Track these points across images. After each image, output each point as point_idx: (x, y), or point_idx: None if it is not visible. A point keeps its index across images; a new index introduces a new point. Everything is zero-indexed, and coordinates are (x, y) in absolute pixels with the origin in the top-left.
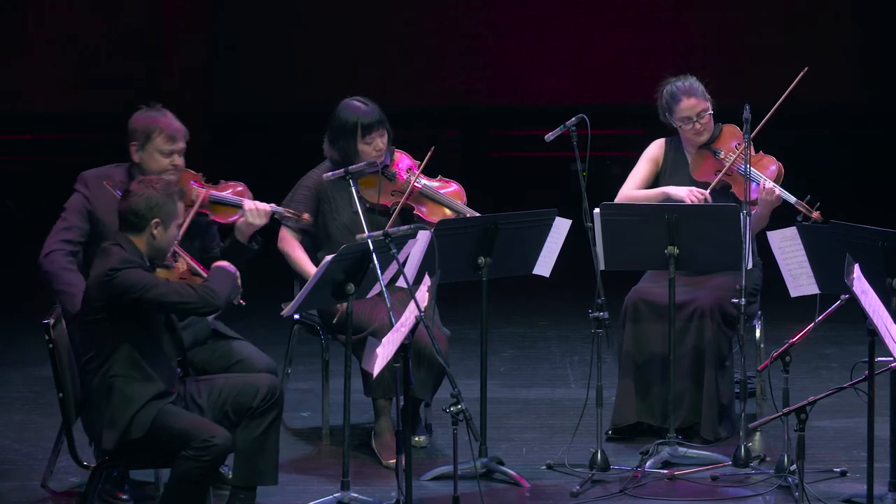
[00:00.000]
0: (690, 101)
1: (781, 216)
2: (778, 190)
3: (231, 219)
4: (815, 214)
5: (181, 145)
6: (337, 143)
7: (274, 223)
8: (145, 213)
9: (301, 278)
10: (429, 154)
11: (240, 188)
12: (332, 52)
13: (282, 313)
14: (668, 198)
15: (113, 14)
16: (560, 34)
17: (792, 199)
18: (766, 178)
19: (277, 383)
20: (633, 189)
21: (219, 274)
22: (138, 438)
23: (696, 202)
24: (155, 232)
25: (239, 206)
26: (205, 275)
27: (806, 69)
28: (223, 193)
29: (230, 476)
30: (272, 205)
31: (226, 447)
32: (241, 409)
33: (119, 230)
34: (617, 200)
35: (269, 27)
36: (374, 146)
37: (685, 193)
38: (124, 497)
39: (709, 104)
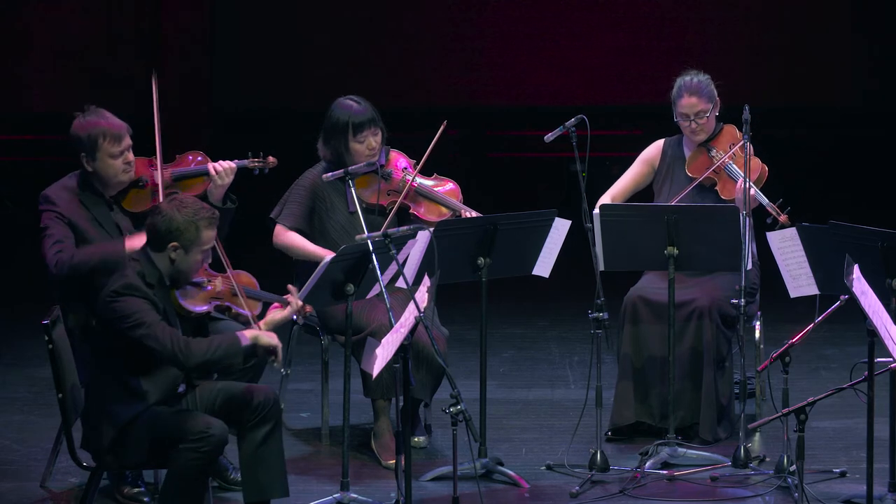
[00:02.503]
0: (692, 99)
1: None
2: (753, 190)
3: (202, 190)
4: (783, 218)
5: (128, 142)
6: (329, 143)
7: (269, 221)
8: (164, 235)
9: (307, 265)
10: (426, 154)
11: (199, 157)
12: (333, 52)
13: None
14: None
15: (113, 14)
16: (560, 34)
17: (765, 200)
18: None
19: (271, 394)
20: (615, 191)
21: (220, 338)
22: (134, 450)
23: None
24: (173, 255)
25: (205, 174)
26: (257, 295)
27: (748, 142)
28: (183, 168)
29: (232, 476)
30: (235, 161)
31: (223, 437)
32: (233, 418)
33: (145, 244)
34: (600, 201)
35: (268, 27)
36: (367, 145)
37: None
38: (144, 499)
39: (711, 106)
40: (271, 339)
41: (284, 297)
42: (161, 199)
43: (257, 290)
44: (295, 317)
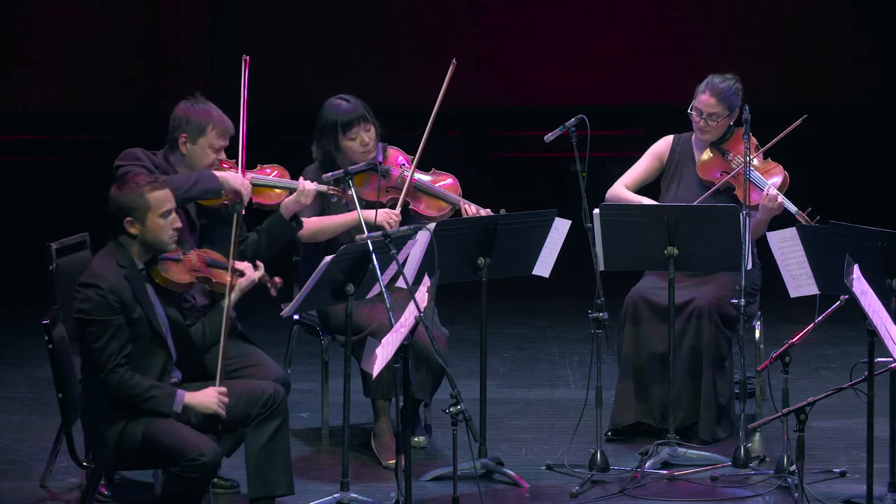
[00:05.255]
0: (710, 99)
1: (781, 221)
2: (780, 198)
3: (275, 201)
4: None
5: (227, 143)
6: (320, 142)
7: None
8: (117, 215)
9: (307, 265)
10: (420, 149)
11: (276, 171)
12: (332, 52)
13: (281, 314)
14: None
15: (113, 14)
16: (560, 34)
17: (793, 208)
18: (770, 185)
19: (280, 391)
20: (627, 182)
21: (159, 390)
22: (128, 456)
23: None
24: (133, 230)
25: (283, 189)
26: (225, 265)
27: (805, 116)
28: (267, 177)
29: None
30: (315, 185)
31: (214, 463)
32: (242, 417)
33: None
34: (609, 192)
35: (268, 27)
36: (360, 141)
37: None
38: (106, 493)
39: (726, 113)
40: (209, 404)
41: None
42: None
43: (226, 261)
44: (271, 288)
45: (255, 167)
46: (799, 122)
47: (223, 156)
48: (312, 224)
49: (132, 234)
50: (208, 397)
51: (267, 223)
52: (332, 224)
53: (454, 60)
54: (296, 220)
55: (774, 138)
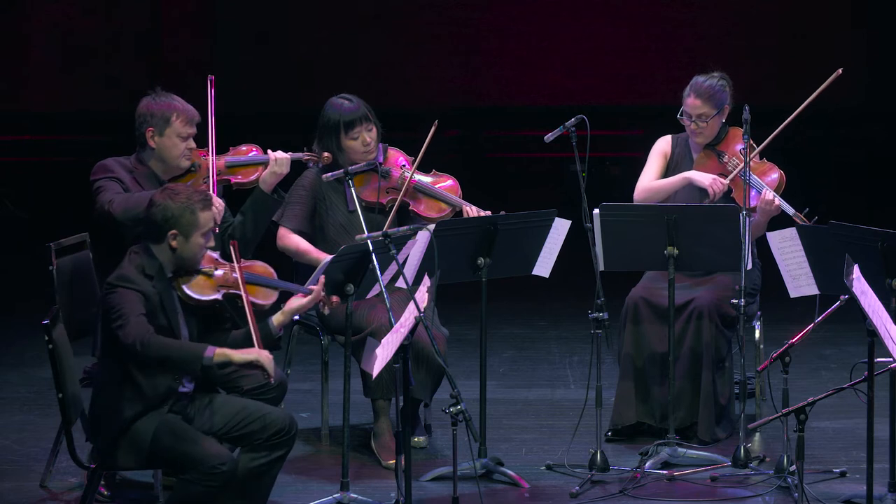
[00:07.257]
0: (696, 101)
1: (781, 221)
2: (777, 200)
3: (253, 176)
4: None
5: (195, 130)
6: (322, 142)
7: (273, 225)
8: (162, 225)
9: (308, 265)
10: (422, 150)
11: (253, 149)
12: (332, 52)
13: None
14: (691, 183)
15: (112, 14)
16: (560, 34)
17: (790, 210)
18: (767, 188)
19: (295, 426)
20: (650, 181)
21: (187, 343)
22: (134, 456)
23: (718, 193)
24: (174, 243)
25: (259, 164)
26: (270, 283)
27: (839, 70)
28: (238, 157)
29: None
30: (290, 153)
31: (233, 472)
32: (249, 437)
33: (144, 237)
34: (637, 192)
35: (268, 27)
36: (361, 140)
37: (708, 182)
38: (106, 493)
39: (715, 112)
40: (247, 356)
41: (307, 286)
42: (213, 185)
43: (274, 280)
44: (323, 307)
45: (227, 150)
46: (837, 73)
47: (193, 144)
48: (290, 242)
49: (171, 248)
50: (249, 352)
51: (249, 201)
52: (307, 255)
53: (436, 121)
54: (277, 192)
55: (772, 134)
